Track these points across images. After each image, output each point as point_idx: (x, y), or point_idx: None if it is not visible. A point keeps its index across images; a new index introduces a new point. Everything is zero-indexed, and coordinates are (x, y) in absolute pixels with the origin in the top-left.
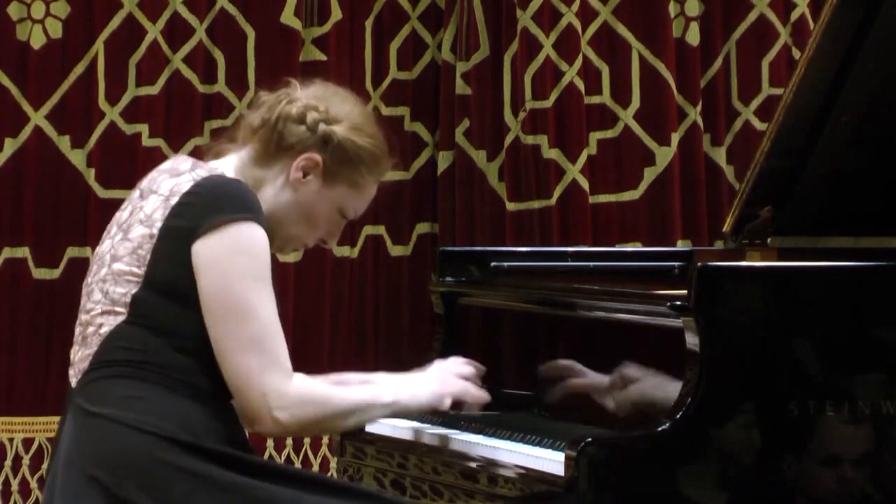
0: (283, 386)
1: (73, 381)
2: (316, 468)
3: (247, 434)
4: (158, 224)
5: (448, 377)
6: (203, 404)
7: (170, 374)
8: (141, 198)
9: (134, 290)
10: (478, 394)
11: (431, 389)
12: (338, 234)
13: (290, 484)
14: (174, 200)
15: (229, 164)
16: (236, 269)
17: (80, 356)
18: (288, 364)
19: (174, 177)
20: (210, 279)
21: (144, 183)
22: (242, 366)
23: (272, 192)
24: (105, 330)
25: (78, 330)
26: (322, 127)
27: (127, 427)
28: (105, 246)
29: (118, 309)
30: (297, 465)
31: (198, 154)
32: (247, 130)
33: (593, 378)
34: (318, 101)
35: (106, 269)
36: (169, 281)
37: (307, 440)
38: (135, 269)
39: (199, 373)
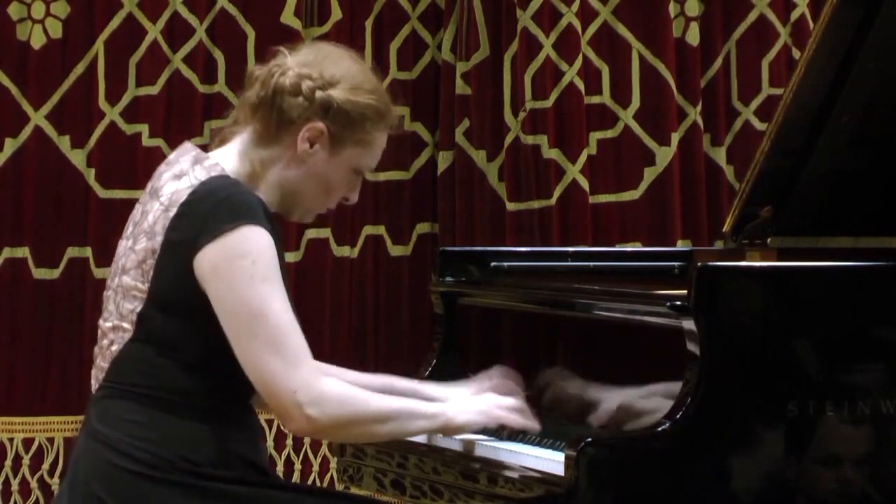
0: (312, 381)
1: (94, 384)
2: (316, 468)
3: (264, 453)
4: (159, 238)
5: (500, 400)
6: (209, 426)
7: (174, 396)
8: (150, 196)
9: (140, 308)
10: (527, 422)
11: (479, 408)
12: (357, 189)
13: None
14: (173, 212)
15: (231, 153)
16: (239, 274)
17: (98, 363)
18: (312, 360)
19: (176, 178)
20: (217, 288)
21: (154, 178)
22: (266, 369)
23: (282, 168)
24: (115, 348)
25: (99, 333)
26: (319, 94)
27: (119, 449)
28: (121, 248)
29: (125, 325)
30: (298, 465)
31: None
32: (246, 110)
33: (588, 388)
34: (311, 68)
35: (117, 279)
36: (172, 297)
37: (307, 439)
38: (139, 285)
39: (206, 391)
